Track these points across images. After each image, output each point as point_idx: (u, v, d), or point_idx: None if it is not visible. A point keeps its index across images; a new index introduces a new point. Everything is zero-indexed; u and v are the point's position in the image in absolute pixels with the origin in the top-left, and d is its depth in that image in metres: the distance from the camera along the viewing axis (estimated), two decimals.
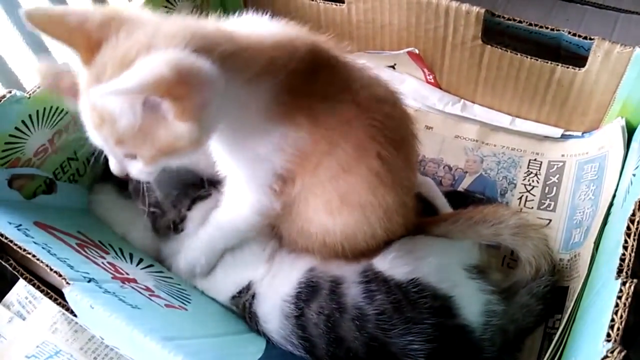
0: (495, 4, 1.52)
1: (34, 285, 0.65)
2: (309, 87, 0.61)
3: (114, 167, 0.62)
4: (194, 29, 0.55)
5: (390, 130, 0.66)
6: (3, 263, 0.66)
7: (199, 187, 0.82)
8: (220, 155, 0.68)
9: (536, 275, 0.77)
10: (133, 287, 0.69)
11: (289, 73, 0.59)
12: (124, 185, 0.84)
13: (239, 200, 0.71)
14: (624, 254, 0.55)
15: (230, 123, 0.60)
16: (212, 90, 0.52)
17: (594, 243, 0.70)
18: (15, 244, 0.63)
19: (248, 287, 0.76)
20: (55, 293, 0.65)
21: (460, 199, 0.88)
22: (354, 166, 0.65)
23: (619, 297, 0.51)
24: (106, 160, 0.63)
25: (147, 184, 0.77)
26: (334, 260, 0.74)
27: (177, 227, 0.81)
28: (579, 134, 0.95)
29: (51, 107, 0.80)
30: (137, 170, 0.60)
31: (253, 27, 0.62)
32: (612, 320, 0.50)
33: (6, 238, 0.63)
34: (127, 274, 0.72)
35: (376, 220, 0.70)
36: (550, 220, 0.88)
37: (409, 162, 0.73)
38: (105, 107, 0.53)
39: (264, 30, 0.62)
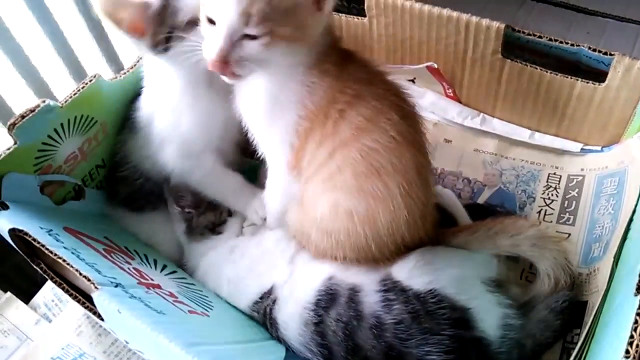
0: (515, 17, 1.53)
1: (63, 289, 0.67)
2: (341, 57, 0.73)
3: (219, 49, 0.63)
4: None
5: (402, 98, 0.73)
6: (34, 266, 0.69)
7: None
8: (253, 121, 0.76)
9: (555, 289, 0.77)
10: (157, 293, 0.71)
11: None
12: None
13: (272, 162, 0.78)
14: None
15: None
16: None
17: (614, 258, 0.70)
18: (47, 249, 0.65)
19: (270, 292, 0.78)
20: (83, 297, 0.67)
21: (480, 212, 0.88)
22: (376, 117, 0.69)
23: (639, 314, 0.52)
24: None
25: (182, 189, 0.85)
26: (355, 261, 0.75)
27: (215, 228, 0.84)
28: (599, 148, 0.95)
29: (82, 116, 0.83)
30: (254, 50, 0.63)
31: None
32: (632, 336, 0.51)
33: (38, 243, 0.66)
34: (152, 279, 0.74)
35: (400, 195, 0.70)
36: (570, 234, 0.88)
37: (424, 155, 0.76)
38: None
39: None
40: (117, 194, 0.90)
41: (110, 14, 0.72)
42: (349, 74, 0.71)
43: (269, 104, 0.72)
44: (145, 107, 0.86)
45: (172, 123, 0.83)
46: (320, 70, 0.70)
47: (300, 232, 0.79)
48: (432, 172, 0.81)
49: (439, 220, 0.84)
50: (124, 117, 0.90)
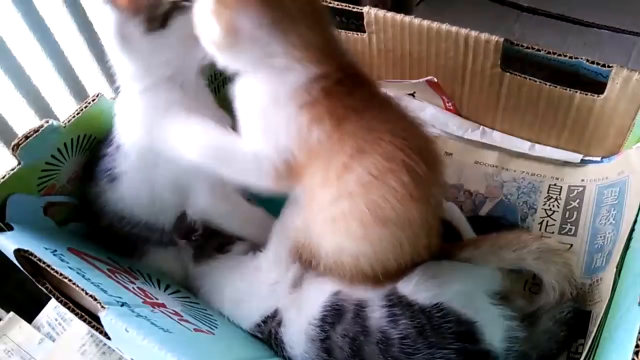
0: (512, 29, 1.54)
1: (69, 308, 0.67)
2: (344, 96, 0.67)
3: None
4: None
5: (419, 148, 0.67)
6: (40, 287, 0.69)
7: None
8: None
9: (560, 300, 0.77)
10: (163, 312, 0.71)
11: (329, 73, 0.66)
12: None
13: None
14: None
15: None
16: None
17: (616, 268, 0.70)
18: (53, 269, 0.65)
19: (275, 314, 0.77)
20: (89, 316, 0.66)
21: (484, 224, 0.89)
22: (383, 176, 0.65)
23: None
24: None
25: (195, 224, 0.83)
26: (360, 283, 0.75)
27: (223, 248, 0.85)
28: (599, 159, 0.95)
29: (84, 135, 0.84)
30: None
31: None
32: (637, 346, 0.51)
33: (44, 263, 0.66)
34: (157, 299, 0.74)
35: (405, 238, 0.69)
36: (572, 245, 0.88)
37: (438, 182, 0.74)
38: None
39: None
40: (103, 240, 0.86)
41: None
42: (353, 122, 0.67)
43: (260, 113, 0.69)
44: (131, 148, 0.79)
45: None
46: (313, 115, 0.66)
47: (306, 249, 0.78)
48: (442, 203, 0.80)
49: (443, 233, 0.85)
50: (88, 167, 0.85)
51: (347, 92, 0.67)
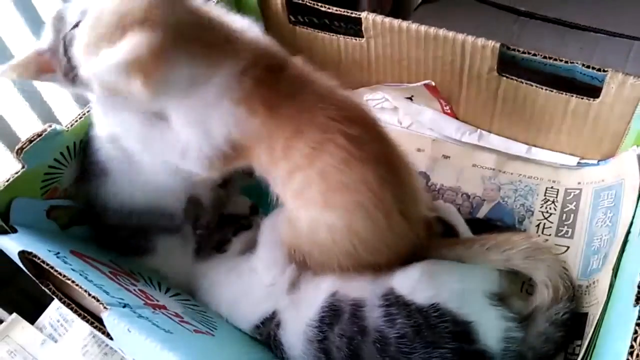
0: (510, 32, 1.55)
1: (72, 309, 0.68)
2: (274, 82, 0.70)
3: None
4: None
5: (350, 113, 0.71)
6: (43, 288, 0.70)
7: (242, 217, 0.89)
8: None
9: (556, 297, 0.77)
10: (164, 313, 0.72)
11: (254, 62, 0.68)
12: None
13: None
14: None
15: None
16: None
17: (613, 270, 0.71)
18: (56, 271, 0.66)
19: (273, 316, 0.78)
20: (91, 317, 0.67)
21: (482, 226, 0.89)
22: (321, 145, 0.69)
23: (638, 324, 0.53)
24: None
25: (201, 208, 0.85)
26: (352, 270, 0.76)
27: (221, 247, 0.86)
28: (595, 162, 0.96)
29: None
30: None
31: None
32: (632, 346, 0.52)
33: (48, 265, 0.67)
34: (157, 300, 0.75)
35: (366, 201, 0.71)
36: (568, 247, 0.89)
37: (387, 144, 0.76)
38: None
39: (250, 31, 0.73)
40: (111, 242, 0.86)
41: (20, 75, 0.73)
42: (292, 108, 0.70)
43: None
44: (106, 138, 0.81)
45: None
46: (249, 107, 0.69)
47: (294, 246, 0.80)
48: (411, 174, 0.81)
49: (442, 233, 0.86)
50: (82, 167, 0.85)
51: (276, 78, 0.70)
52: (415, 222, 0.78)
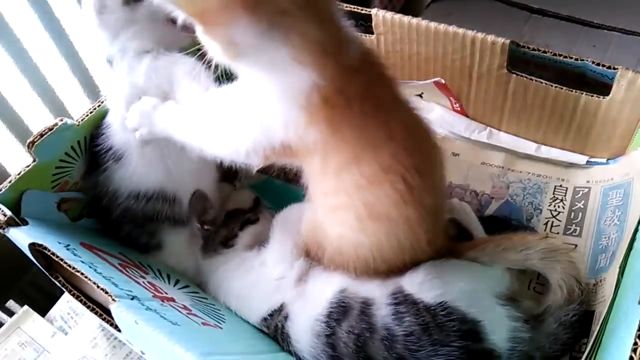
0: (522, 31, 1.54)
1: (80, 301, 0.69)
2: (344, 109, 0.64)
3: None
4: None
5: (417, 159, 0.69)
6: (53, 280, 0.71)
7: (248, 212, 0.90)
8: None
9: (570, 298, 0.77)
10: (172, 306, 0.72)
11: (331, 80, 0.62)
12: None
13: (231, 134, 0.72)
14: None
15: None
16: None
17: (620, 268, 0.71)
18: (66, 263, 0.67)
19: (281, 309, 0.79)
20: (100, 309, 0.68)
21: (496, 224, 0.89)
22: (379, 181, 0.68)
23: None
24: None
25: (206, 204, 0.85)
26: (365, 275, 0.76)
27: (227, 242, 0.86)
28: (604, 160, 0.96)
29: None
30: None
31: None
32: (635, 343, 0.52)
33: (57, 257, 0.68)
34: (166, 293, 0.76)
35: (402, 233, 0.72)
36: (576, 245, 0.89)
37: (435, 188, 0.75)
38: None
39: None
40: (119, 237, 0.87)
41: None
42: (352, 132, 0.66)
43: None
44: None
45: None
46: (312, 119, 0.64)
47: (314, 243, 0.81)
48: (445, 194, 0.82)
49: (455, 235, 0.86)
50: (90, 159, 0.86)
51: (348, 105, 0.64)
52: (437, 237, 0.78)
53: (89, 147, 0.86)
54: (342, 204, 0.71)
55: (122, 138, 0.82)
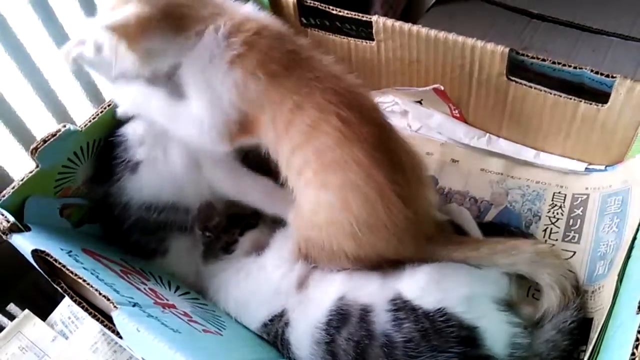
0: (522, 35, 1.55)
1: (82, 307, 0.69)
2: (270, 51, 0.75)
3: None
4: None
5: (347, 98, 0.75)
6: (55, 286, 0.71)
7: (248, 216, 0.90)
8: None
9: (565, 297, 0.78)
10: (173, 313, 0.73)
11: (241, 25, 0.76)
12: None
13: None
14: None
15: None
16: None
17: (618, 275, 0.72)
18: (68, 269, 0.68)
19: (281, 315, 0.79)
20: (102, 315, 0.69)
21: (495, 231, 0.90)
22: (317, 123, 0.73)
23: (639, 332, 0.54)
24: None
25: (212, 211, 0.87)
26: (359, 255, 0.77)
27: (228, 248, 0.87)
28: (603, 167, 0.96)
29: (100, 139, 0.86)
30: None
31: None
32: (633, 354, 0.53)
33: (59, 263, 0.68)
34: (167, 299, 0.77)
35: (361, 180, 0.73)
36: (575, 252, 0.89)
37: (377, 124, 0.78)
38: None
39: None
40: (125, 244, 0.88)
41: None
42: (292, 80, 0.75)
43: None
44: (139, 134, 0.86)
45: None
46: (245, 69, 0.74)
47: (303, 238, 0.81)
48: (412, 162, 0.82)
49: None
50: (102, 168, 0.88)
51: (273, 47, 0.76)
52: (415, 205, 0.78)
53: (103, 154, 0.87)
54: (300, 161, 0.75)
55: (139, 151, 0.85)
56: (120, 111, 0.86)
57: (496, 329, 0.73)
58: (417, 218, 0.78)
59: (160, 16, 0.75)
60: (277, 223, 0.88)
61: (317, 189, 0.75)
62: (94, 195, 0.88)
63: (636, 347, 0.53)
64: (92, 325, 0.93)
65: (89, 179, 0.87)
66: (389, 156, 0.75)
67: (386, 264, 0.80)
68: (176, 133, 0.83)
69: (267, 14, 0.82)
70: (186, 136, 0.82)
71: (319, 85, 0.74)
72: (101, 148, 0.87)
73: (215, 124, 0.78)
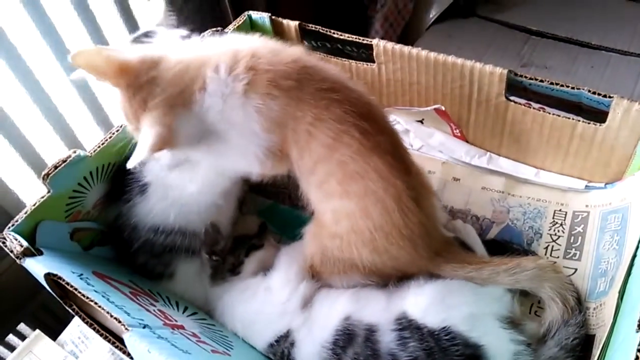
0: (521, 52, 1.57)
1: (94, 329, 0.71)
2: (273, 71, 0.74)
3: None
4: None
5: (361, 108, 0.76)
6: (67, 308, 0.73)
7: (253, 237, 0.93)
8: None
9: (567, 311, 0.79)
10: (182, 333, 0.74)
11: (258, 62, 0.75)
12: None
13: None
14: None
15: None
16: None
17: (619, 292, 0.72)
18: (80, 292, 0.70)
19: (287, 335, 0.80)
20: (113, 337, 0.70)
21: (497, 249, 0.91)
22: (339, 136, 0.74)
23: (639, 350, 0.55)
24: None
25: (218, 235, 0.89)
26: (375, 263, 0.79)
27: (235, 270, 0.89)
28: (602, 185, 0.97)
29: (109, 164, 0.88)
30: None
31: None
32: None
33: (71, 286, 0.70)
34: (176, 320, 0.78)
35: (380, 189, 0.75)
36: (576, 270, 0.90)
37: (389, 134, 0.81)
38: None
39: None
40: (133, 265, 0.90)
41: None
42: (307, 92, 0.75)
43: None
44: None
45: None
46: (259, 92, 0.74)
47: (320, 249, 0.83)
48: (417, 168, 0.86)
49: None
50: (112, 190, 0.90)
51: (272, 62, 0.75)
52: (426, 210, 0.81)
53: (118, 174, 0.89)
54: (323, 173, 0.77)
55: (151, 173, 0.87)
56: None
57: (500, 347, 0.74)
58: (429, 224, 0.80)
59: (170, 119, 0.73)
60: (281, 243, 0.90)
61: (340, 198, 0.77)
62: (106, 216, 0.90)
63: None
64: (102, 345, 0.94)
65: (102, 199, 0.90)
66: (401, 162, 0.79)
67: (394, 278, 0.82)
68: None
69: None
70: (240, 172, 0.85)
71: (335, 97, 0.75)
72: (116, 168, 0.90)
73: (258, 157, 0.78)
